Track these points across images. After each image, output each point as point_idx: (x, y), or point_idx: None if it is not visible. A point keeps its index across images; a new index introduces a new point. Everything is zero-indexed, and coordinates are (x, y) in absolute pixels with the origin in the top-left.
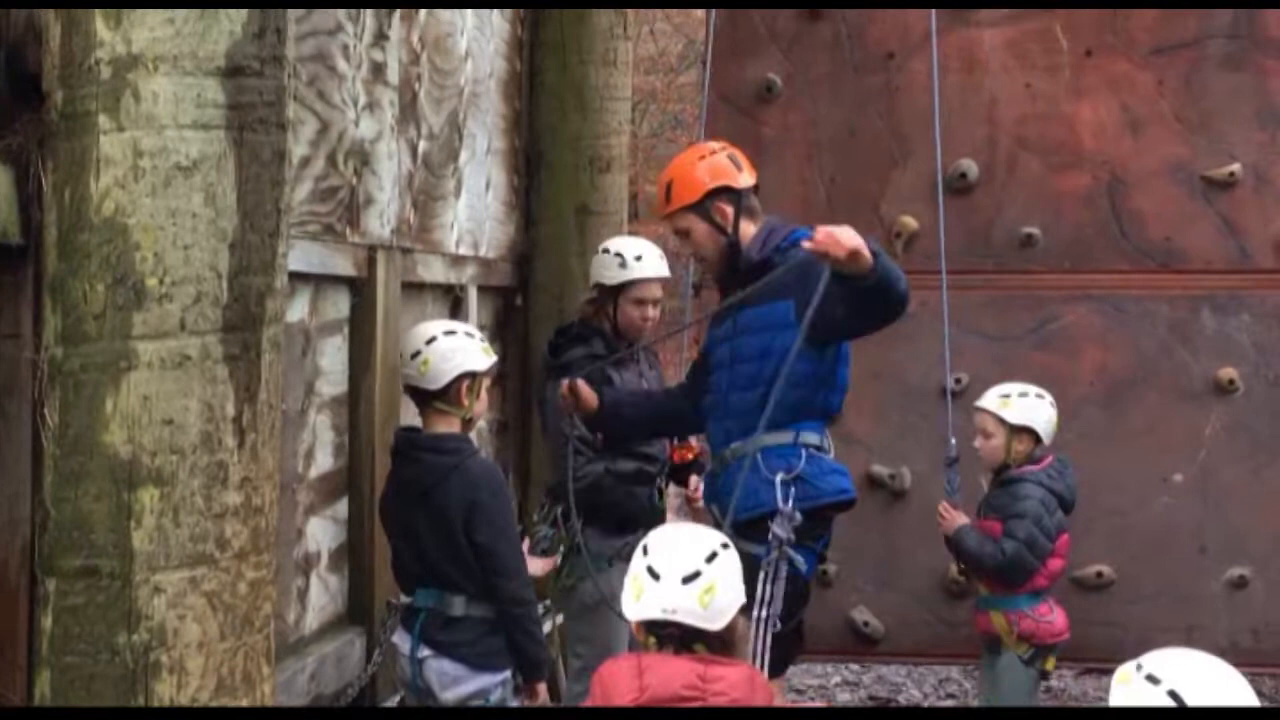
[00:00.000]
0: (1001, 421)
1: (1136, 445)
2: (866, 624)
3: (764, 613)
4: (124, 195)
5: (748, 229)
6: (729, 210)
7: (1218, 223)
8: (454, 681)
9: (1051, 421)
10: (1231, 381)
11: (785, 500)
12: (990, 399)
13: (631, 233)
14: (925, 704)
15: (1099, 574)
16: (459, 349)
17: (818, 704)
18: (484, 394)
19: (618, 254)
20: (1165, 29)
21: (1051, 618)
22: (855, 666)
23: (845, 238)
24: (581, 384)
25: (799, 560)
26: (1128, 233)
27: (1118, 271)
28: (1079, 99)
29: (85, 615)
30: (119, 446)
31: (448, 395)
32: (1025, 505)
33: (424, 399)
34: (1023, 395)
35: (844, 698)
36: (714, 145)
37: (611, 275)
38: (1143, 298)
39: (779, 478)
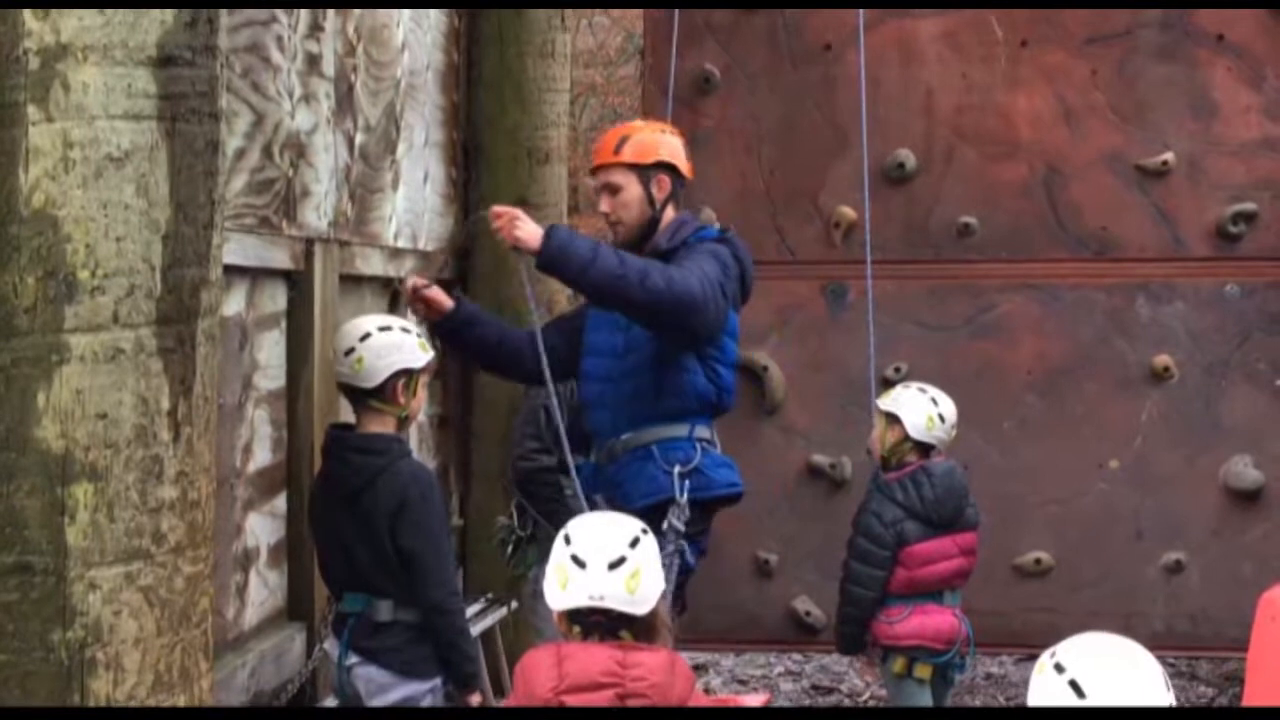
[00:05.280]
0: (879, 410)
1: (1074, 432)
2: (808, 614)
3: None
4: (54, 187)
5: (668, 215)
6: (668, 187)
7: (1152, 212)
8: (380, 689)
9: (926, 417)
10: (1167, 369)
11: (680, 492)
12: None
13: (572, 226)
14: (866, 694)
15: (1037, 560)
16: (395, 345)
17: (760, 693)
18: (421, 391)
19: None
20: (1099, 20)
21: (895, 620)
22: (797, 656)
23: (508, 229)
24: (435, 288)
25: (688, 552)
26: (1064, 222)
27: (1054, 260)
28: (1015, 89)
29: (19, 612)
30: (52, 441)
31: (383, 394)
32: (860, 517)
33: (358, 397)
34: (905, 388)
35: (786, 688)
36: (675, 132)
37: None
38: (1079, 286)
39: (676, 470)
